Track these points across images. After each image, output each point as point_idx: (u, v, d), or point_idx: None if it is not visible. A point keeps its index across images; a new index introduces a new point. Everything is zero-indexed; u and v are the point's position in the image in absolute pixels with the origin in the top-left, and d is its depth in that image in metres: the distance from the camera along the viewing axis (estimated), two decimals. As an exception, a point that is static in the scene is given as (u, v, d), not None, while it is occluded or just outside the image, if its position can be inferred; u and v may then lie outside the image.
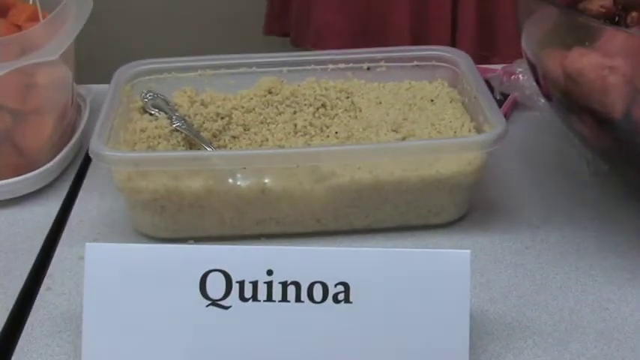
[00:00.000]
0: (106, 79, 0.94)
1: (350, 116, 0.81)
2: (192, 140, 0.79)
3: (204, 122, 0.81)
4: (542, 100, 0.84)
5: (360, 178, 0.71)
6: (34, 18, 0.87)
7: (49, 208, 0.80)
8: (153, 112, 0.81)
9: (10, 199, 0.80)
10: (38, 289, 0.69)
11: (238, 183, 0.72)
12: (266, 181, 0.71)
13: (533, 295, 0.68)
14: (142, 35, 1.84)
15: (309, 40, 1.51)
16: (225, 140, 0.80)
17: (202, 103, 0.83)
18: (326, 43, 1.44)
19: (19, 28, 0.86)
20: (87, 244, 0.59)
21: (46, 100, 0.81)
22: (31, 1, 0.88)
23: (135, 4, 1.86)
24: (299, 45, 1.54)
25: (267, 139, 0.79)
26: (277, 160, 0.71)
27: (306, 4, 1.52)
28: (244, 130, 0.81)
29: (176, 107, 0.82)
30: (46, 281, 0.70)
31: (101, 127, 0.73)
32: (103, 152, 0.69)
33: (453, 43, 1.41)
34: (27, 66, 0.75)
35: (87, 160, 0.86)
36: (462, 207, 0.74)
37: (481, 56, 1.07)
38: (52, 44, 0.76)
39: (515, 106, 0.91)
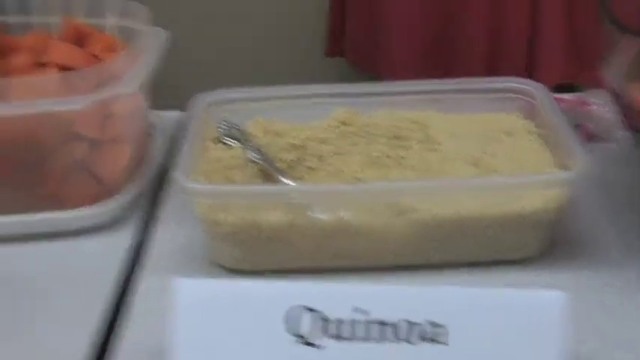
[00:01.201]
0: (169, 106, 0.96)
1: (425, 148, 0.81)
2: (268, 171, 0.79)
3: (278, 153, 0.81)
4: (620, 132, 0.83)
5: (440, 213, 0.70)
6: (110, 48, 0.88)
7: (125, 237, 0.80)
8: (228, 142, 0.82)
9: (87, 228, 0.80)
10: (118, 323, 0.69)
11: (317, 216, 0.71)
12: (345, 214, 0.71)
13: (617, 334, 0.66)
14: (200, 58, 1.85)
15: (374, 64, 1.51)
16: (300, 171, 0.80)
17: (277, 134, 0.83)
18: (393, 69, 1.43)
19: (96, 57, 0.87)
20: (175, 278, 0.59)
21: (123, 129, 0.82)
22: (107, 29, 0.89)
23: (195, 31, 1.88)
24: (362, 68, 1.54)
25: (342, 171, 0.79)
26: (358, 195, 0.71)
27: (370, 26, 1.51)
28: (319, 161, 0.81)
29: (251, 137, 0.82)
30: (126, 315, 0.70)
31: (182, 158, 0.73)
32: (187, 184, 0.69)
33: (528, 70, 1.39)
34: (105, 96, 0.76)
35: (161, 188, 0.87)
36: (544, 243, 0.73)
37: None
38: (130, 76, 0.77)
39: (590, 137, 0.90)
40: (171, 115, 1.00)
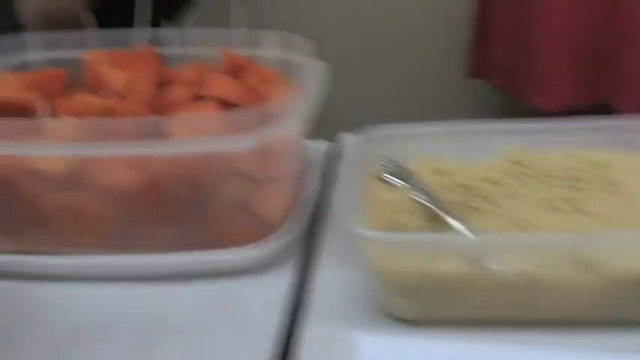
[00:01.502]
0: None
1: (606, 192, 0.75)
2: (434, 213, 0.75)
3: (443, 192, 0.77)
4: None
5: (634, 268, 0.65)
6: (268, 80, 0.86)
7: (285, 277, 0.78)
8: (391, 181, 0.78)
9: (246, 268, 0.78)
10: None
11: (493, 267, 0.67)
12: (524, 266, 0.66)
13: None
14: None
15: (521, 87, 1.45)
16: (465, 213, 0.76)
17: (441, 172, 0.79)
18: (542, 92, 1.36)
19: (254, 91, 0.85)
20: (358, 336, 0.56)
21: (283, 167, 0.80)
22: (265, 65, 0.87)
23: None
24: (507, 91, 1.48)
25: (512, 214, 0.74)
26: (541, 248, 0.66)
27: (517, 47, 1.45)
28: (486, 202, 0.76)
29: (414, 175, 0.79)
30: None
31: (350, 201, 0.70)
32: (362, 232, 0.66)
33: None
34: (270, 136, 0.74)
35: (316, 225, 0.84)
36: None
37: None
38: (294, 115, 0.74)
39: None
40: (320, 147, 0.98)
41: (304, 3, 1.81)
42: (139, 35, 0.91)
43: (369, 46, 1.82)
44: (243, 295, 0.76)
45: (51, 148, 0.75)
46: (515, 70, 1.45)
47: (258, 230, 0.79)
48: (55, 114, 0.87)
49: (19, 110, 0.85)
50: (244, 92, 0.85)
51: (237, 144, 0.72)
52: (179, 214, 0.78)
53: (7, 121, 0.77)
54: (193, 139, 0.74)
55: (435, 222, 0.74)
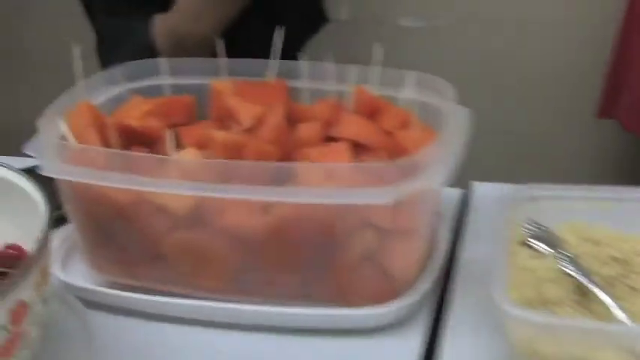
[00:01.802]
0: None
1: None
2: (584, 287, 0.68)
3: (596, 265, 0.70)
4: None
5: None
6: (405, 124, 0.81)
7: (413, 340, 0.72)
8: (536, 247, 0.72)
9: (372, 327, 0.73)
10: None
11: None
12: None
13: None
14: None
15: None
16: (620, 290, 0.68)
17: (594, 242, 0.72)
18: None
19: (389, 134, 0.80)
20: None
21: (420, 221, 0.74)
22: (402, 106, 0.82)
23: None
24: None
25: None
26: None
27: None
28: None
29: (562, 243, 0.72)
30: None
31: (495, 271, 0.64)
32: (508, 310, 0.60)
33: None
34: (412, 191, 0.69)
35: (447, 282, 0.78)
36: None
37: None
38: (437, 168, 0.68)
39: None
40: (451, 196, 0.91)
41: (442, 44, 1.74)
42: (270, 66, 0.87)
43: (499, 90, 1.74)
44: (365, 356, 0.71)
45: (177, 185, 0.71)
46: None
47: (385, 287, 0.73)
48: (180, 143, 0.85)
49: (146, 137, 0.82)
50: (379, 135, 0.80)
51: (377, 197, 0.66)
52: (304, 264, 0.73)
53: (133, 155, 0.74)
54: (329, 189, 0.68)
55: (583, 296, 0.68)
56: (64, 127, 0.76)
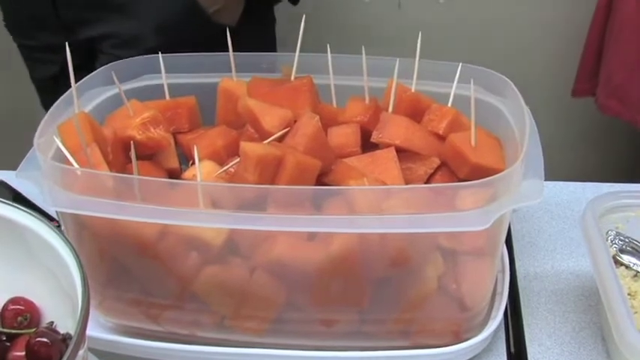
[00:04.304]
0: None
1: None
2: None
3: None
4: None
5: None
6: (456, 125, 0.70)
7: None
8: (625, 262, 0.63)
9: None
10: None
11: None
12: None
13: None
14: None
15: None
16: None
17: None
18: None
19: (439, 137, 0.69)
20: None
21: (496, 240, 0.64)
22: (449, 104, 0.71)
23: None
24: (623, 118, 1.34)
25: None
26: None
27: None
28: None
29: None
30: None
31: (609, 299, 0.55)
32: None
33: None
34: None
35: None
36: None
37: None
38: (535, 185, 0.58)
39: None
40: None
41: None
42: (282, 60, 0.75)
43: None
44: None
45: (211, 216, 0.59)
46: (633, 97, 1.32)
47: (460, 318, 0.63)
48: (185, 153, 0.73)
49: (148, 149, 0.70)
50: (429, 140, 0.69)
51: (473, 223, 0.56)
52: (365, 299, 0.62)
53: (153, 181, 0.62)
54: (412, 217, 0.57)
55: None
56: (62, 147, 0.62)
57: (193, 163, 0.68)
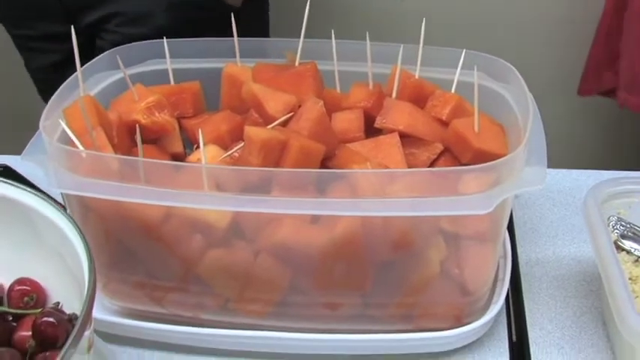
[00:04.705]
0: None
1: None
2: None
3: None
4: None
5: None
6: (460, 111, 0.71)
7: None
8: (626, 248, 0.64)
9: (447, 352, 0.64)
10: None
11: None
12: None
13: None
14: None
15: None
16: None
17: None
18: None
19: (442, 123, 0.70)
20: None
21: (498, 225, 0.64)
22: (453, 90, 0.72)
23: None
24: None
25: None
26: None
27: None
28: None
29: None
30: None
31: (612, 285, 0.55)
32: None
33: None
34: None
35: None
36: None
37: None
38: (538, 171, 0.59)
39: None
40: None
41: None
42: (287, 45, 0.75)
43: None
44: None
45: (217, 198, 0.59)
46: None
47: (462, 302, 0.64)
48: (190, 138, 0.73)
49: (153, 133, 0.70)
50: (432, 126, 0.70)
51: (476, 207, 0.56)
52: (368, 282, 0.63)
53: (159, 163, 0.62)
54: (416, 200, 0.57)
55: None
56: (68, 130, 0.62)
57: (197, 147, 0.69)
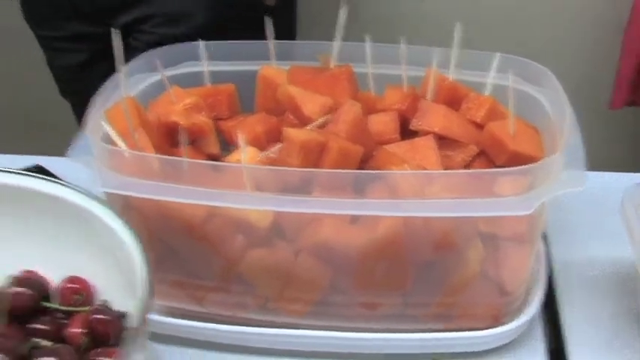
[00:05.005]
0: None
1: None
2: None
3: None
4: None
5: None
6: (494, 114, 0.71)
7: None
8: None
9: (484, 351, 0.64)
10: None
11: None
12: None
13: None
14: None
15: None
16: None
17: None
18: None
19: (476, 125, 0.70)
20: None
21: (536, 227, 0.65)
22: (487, 93, 0.72)
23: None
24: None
25: None
26: None
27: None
28: None
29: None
30: None
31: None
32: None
33: None
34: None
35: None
36: None
37: None
38: (578, 174, 0.59)
39: None
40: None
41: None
42: (322, 49, 0.76)
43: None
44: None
45: (256, 200, 0.60)
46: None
47: (499, 303, 0.65)
48: (227, 139, 0.74)
49: (190, 134, 0.71)
50: (468, 128, 0.70)
51: (517, 208, 0.57)
52: (408, 282, 0.63)
53: (202, 164, 0.63)
54: (458, 201, 0.58)
55: None
56: (111, 131, 0.63)
57: (233, 149, 0.70)
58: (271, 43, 0.75)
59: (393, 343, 0.64)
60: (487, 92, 0.72)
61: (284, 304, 0.65)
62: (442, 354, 0.64)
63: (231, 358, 0.65)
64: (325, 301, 0.65)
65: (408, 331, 0.64)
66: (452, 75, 0.73)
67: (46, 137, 1.22)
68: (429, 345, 0.64)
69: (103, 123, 0.64)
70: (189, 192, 0.59)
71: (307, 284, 0.64)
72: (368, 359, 0.65)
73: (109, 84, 0.69)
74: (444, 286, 0.63)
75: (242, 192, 0.60)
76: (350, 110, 0.68)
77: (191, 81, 0.76)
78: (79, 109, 1.26)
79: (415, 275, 0.63)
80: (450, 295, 0.63)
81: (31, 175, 0.58)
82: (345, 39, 0.74)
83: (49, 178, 0.58)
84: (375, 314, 0.65)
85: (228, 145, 0.74)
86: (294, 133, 0.65)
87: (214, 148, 0.74)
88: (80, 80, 1.18)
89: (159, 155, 0.63)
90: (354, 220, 0.62)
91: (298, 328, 0.65)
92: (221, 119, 0.76)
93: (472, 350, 0.64)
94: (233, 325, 0.66)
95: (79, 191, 0.56)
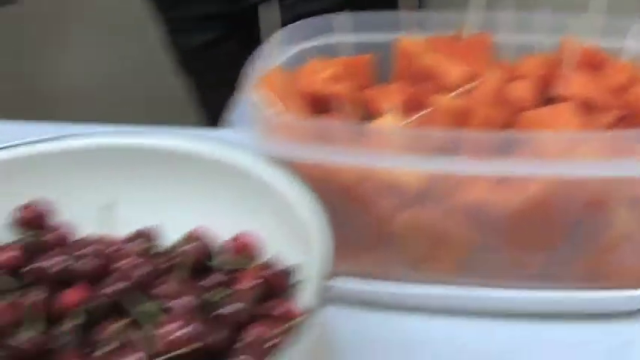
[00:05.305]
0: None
1: None
2: None
3: None
4: None
5: None
6: (634, 79, 0.72)
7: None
8: None
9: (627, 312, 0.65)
10: None
11: None
12: None
13: None
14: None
15: None
16: None
17: None
18: None
19: (617, 91, 0.71)
20: None
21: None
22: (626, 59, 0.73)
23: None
24: None
25: None
26: None
27: None
28: None
29: None
30: None
31: None
32: None
33: None
34: None
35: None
36: None
37: None
38: None
39: None
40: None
41: None
42: (464, 19, 0.77)
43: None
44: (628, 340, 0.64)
45: (407, 161, 0.62)
46: None
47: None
48: (367, 107, 0.76)
49: (330, 104, 0.74)
50: (609, 95, 0.71)
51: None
52: (556, 243, 0.65)
53: (358, 127, 0.65)
54: (611, 161, 0.60)
55: None
56: (267, 98, 0.67)
57: (374, 118, 0.72)
58: (405, 14, 0.78)
59: (541, 300, 0.66)
60: (625, 59, 0.73)
61: (433, 263, 0.68)
62: (589, 315, 0.65)
63: (393, 317, 0.68)
64: (473, 259, 0.67)
65: (554, 289, 0.66)
66: (588, 41, 0.74)
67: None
68: (576, 303, 0.65)
69: (258, 92, 0.67)
70: (348, 154, 0.62)
71: (456, 244, 0.66)
72: (518, 317, 0.67)
73: (259, 58, 0.71)
74: (594, 245, 0.64)
75: (393, 154, 0.63)
76: (492, 78, 0.70)
77: (328, 53, 0.79)
78: (199, 87, 1.32)
79: (564, 235, 0.64)
80: (599, 254, 0.65)
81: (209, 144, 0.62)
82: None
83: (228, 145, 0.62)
84: (522, 273, 0.66)
85: (368, 115, 0.77)
86: (442, 100, 0.67)
87: (355, 116, 0.76)
88: (201, 60, 1.23)
89: (318, 120, 0.66)
90: (502, 181, 0.64)
91: (446, 284, 0.67)
92: (359, 89, 0.78)
93: (622, 309, 0.65)
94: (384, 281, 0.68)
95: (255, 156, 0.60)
